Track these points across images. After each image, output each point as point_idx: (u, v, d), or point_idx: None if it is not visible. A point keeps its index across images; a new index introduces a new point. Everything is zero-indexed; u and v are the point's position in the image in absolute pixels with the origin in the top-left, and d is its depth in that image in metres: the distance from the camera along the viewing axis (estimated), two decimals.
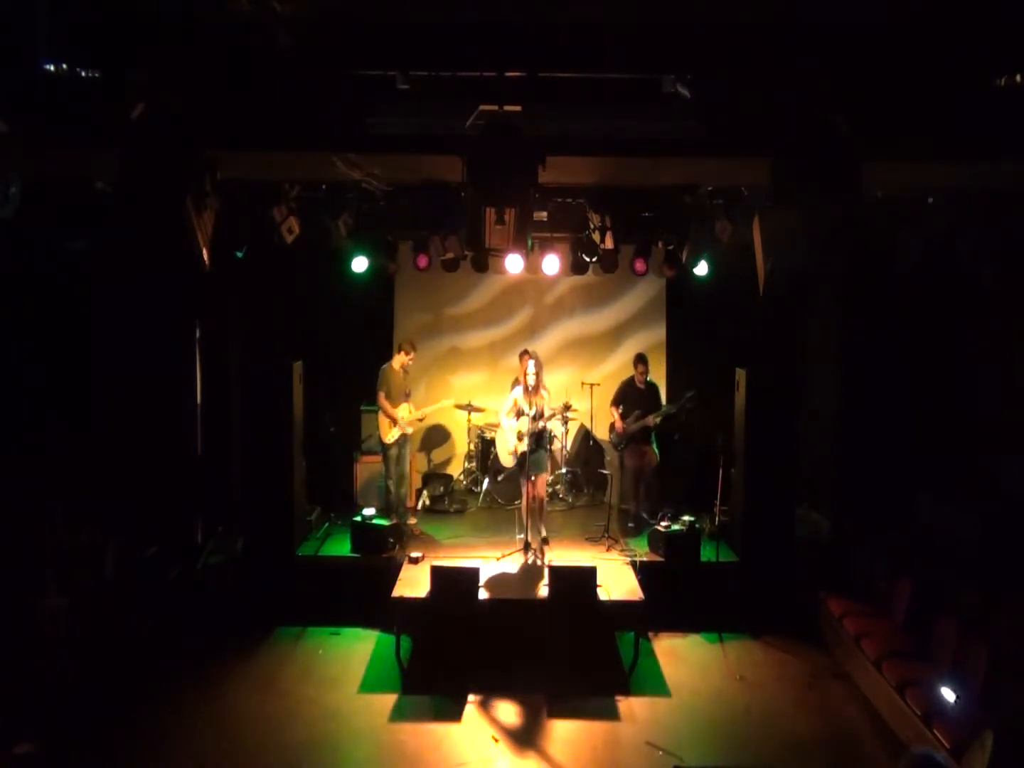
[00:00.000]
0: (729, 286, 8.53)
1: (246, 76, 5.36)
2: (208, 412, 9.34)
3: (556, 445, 10.11)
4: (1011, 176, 5.92)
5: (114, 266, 7.67)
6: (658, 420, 9.10)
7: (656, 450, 9.25)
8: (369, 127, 5.94)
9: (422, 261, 8.95)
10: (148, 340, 8.50)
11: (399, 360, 8.97)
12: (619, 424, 9.25)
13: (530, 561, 8.08)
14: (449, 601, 7.02)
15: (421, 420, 9.51)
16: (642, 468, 9.23)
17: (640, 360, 9.25)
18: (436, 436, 10.71)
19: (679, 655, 7.54)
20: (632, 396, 9.24)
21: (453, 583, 7.08)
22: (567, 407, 8.58)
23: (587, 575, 7.17)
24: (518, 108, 5.28)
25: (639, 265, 8.83)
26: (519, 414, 8.34)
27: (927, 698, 5.72)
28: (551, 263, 9.03)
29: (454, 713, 6.54)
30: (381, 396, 8.88)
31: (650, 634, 7.77)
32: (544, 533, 8.38)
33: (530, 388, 8.22)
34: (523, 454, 8.23)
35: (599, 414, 10.23)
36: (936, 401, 8.24)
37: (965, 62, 5.17)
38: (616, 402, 9.36)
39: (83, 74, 5.25)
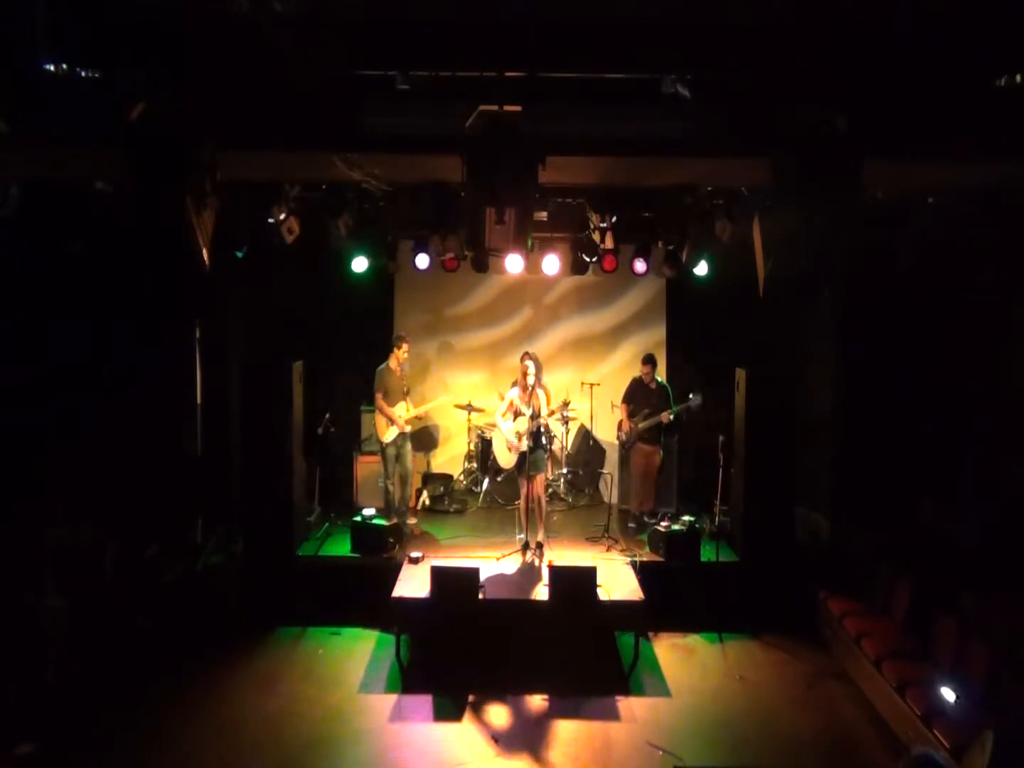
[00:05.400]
0: (729, 286, 8.53)
1: (246, 76, 5.36)
2: (208, 412, 9.34)
3: (556, 445, 10.13)
4: (1011, 176, 5.92)
5: (114, 266, 7.67)
6: (671, 417, 9.07)
7: (662, 451, 9.26)
8: (368, 127, 5.94)
9: (422, 262, 8.85)
10: (148, 340, 8.49)
11: (395, 358, 8.98)
12: (626, 423, 9.25)
13: (530, 561, 8.08)
14: (449, 601, 7.02)
15: (420, 418, 9.50)
16: (647, 468, 9.22)
17: (646, 360, 9.23)
18: (436, 436, 10.71)
19: (679, 655, 7.55)
20: (641, 395, 9.23)
21: (453, 583, 7.08)
22: (566, 404, 8.58)
23: (587, 575, 7.17)
24: (518, 108, 5.27)
25: (639, 265, 8.82)
26: (516, 414, 8.35)
27: (927, 698, 5.73)
28: (551, 263, 9.03)
29: (454, 713, 6.54)
30: (378, 397, 8.89)
31: (650, 634, 7.78)
32: (541, 536, 8.37)
33: (528, 388, 8.24)
34: (522, 454, 8.25)
35: (599, 414, 10.23)
36: (936, 401, 8.23)
37: (965, 62, 5.17)
38: (626, 400, 9.36)
39: (83, 74, 5.25)
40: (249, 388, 8.61)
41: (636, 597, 7.33)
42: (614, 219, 7.58)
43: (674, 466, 9.77)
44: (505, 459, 8.62)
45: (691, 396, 9.09)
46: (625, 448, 9.45)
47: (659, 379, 9.31)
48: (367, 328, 10.24)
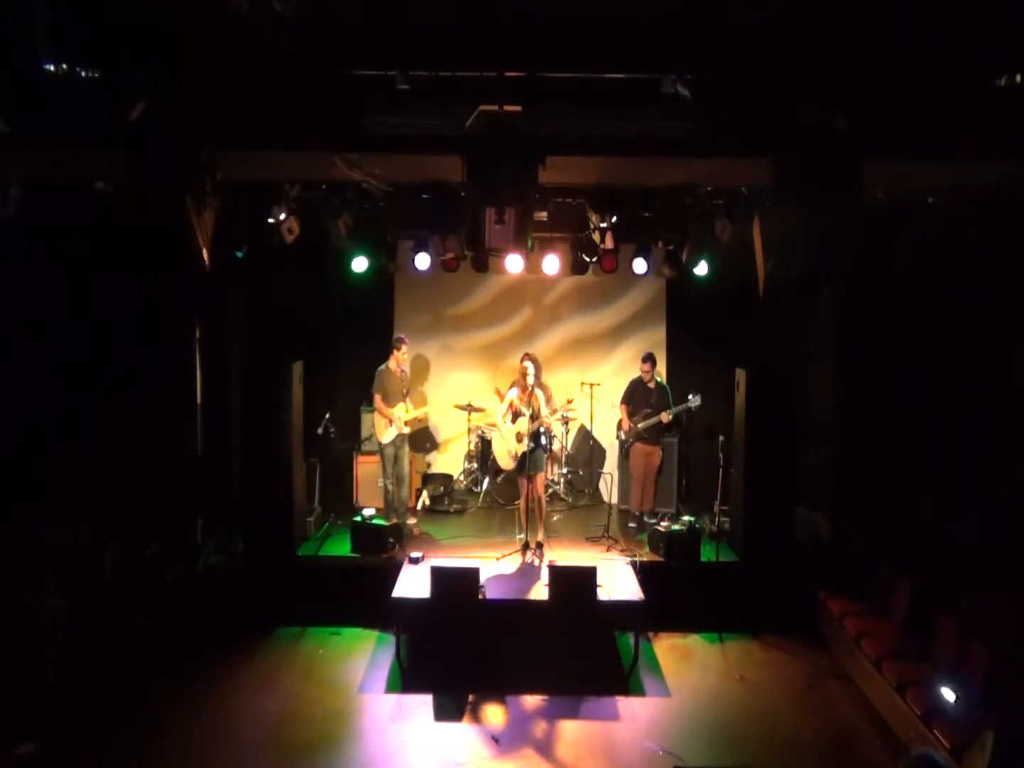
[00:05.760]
0: (729, 286, 8.54)
1: (246, 76, 5.36)
2: (208, 412, 9.34)
3: (556, 445, 10.14)
4: (1011, 176, 5.92)
5: (114, 266, 7.67)
6: (670, 418, 9.07)
7: (661, 451, 9.25)
8: (369, 127, 5.94)
9: (422, 262, 8.84)
10: (148, 340, 8.50)
11: (394, 360, 8.98)
12: (626, 423, 9.25)
13: (530, 561, 8.08)
14: (449, 601, 7.02)
15: (420, 419, 9.51)
16: (647, 468, 9.21)
17: (645, 359, 9.23)
18: (436, 436, 10.71)
19: (679, 655, 7.55)
20: (640, 395, 9.22)
21: (453, 583, 7.08)
22: (569, 402, 8.59)
23: (587, 575, 7.18)
24: (518, 108, 5.27)
25: (639, 265, 8.80)
26: (516, 415, 8.35)
27: (927, 698, 5.73)
28: (551, 263, 9.03)
29: (454, 713, 6.55)
30: (377, 398, 8.89)
31: (650, 634, 7.78)
32: (541, 536, 8.37)
33: (527, 388, 8.25)
34: (523, 454, 8.25)
35: (599, 414, 10.23)
36: (936, 401, 8.23)
37: (965, 62, 5.17)
38: (625, 400, 9.35)
39: (83, 74, 5.25)
40: (249, 388, 8.61)
41: (636, 597, 7.33)
42: (614, 219, 7.58)
43: (674, 466, 9.77)
44: (505, 459, 8.62)
45: (690, 397, 9.09)
46: (624, 448, 9.44)
47: (658, 379, 9.30)
48: (367, 328, 10.24)
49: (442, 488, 10.08)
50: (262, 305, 8.55)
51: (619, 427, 9.44)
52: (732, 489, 8.81)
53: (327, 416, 9.35)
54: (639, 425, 9.12)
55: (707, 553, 8.32)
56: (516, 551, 8.25)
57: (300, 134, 5.86)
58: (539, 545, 8.30)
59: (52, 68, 5.10)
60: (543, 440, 8.48)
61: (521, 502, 8.50)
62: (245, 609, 7.95)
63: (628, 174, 6.46)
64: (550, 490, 9.88)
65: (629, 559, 8.18)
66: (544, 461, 8.60)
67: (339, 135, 5.91)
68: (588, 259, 8.70)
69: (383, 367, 9.00)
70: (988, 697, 5.52)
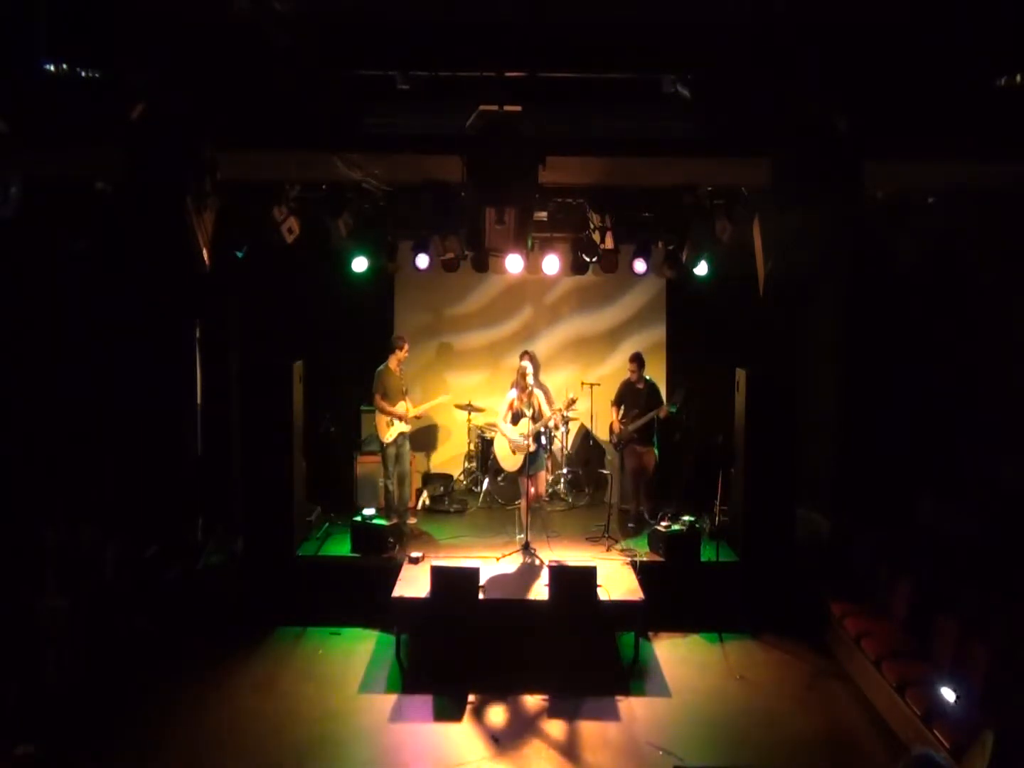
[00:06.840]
0: (729, 286, 8.54)
1: (246, 76, 5.37)
2: (208, 412, 9.34)
3: (556, 445, 10.13)
4: (1011, 176, 5.93)
5: (114, 266, 7.67)
6: (671, 410, 9.03)
7: (656, 451, 9.25)
8: (369, 127, 5.95)
9: (422, 262, 8.85)
10: (148, 340, 8.50)
11: (394, 359, 8.97)
12: (616, 425, 9.24)
13: (530, 561, 8.08)
14: (449, 601, 7.02)
15: (419, 417, 9.51)
16: (641, 469, 9.20)
17: (632, 359, 9.20)
18: (436, 436, 10.71)
19: (679, 655, 7.54)
20: (631, 396, 9.22)
21: (453, 583, 7.08)
22: (573, 401, 8.57)
23: (587, 575, 7.17)
24: (518, 108, 5.28)
25: (639, 265, 8.80)
26: (517, 417, 8.34)
27: (927, 698, 5.72)
28: (551, 263, 9.02)
29: (454, 713, 6.54)
30: (378, 398, 8.87)
31: (650, 634, 7.78)
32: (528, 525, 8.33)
33: (526, 388, 8.24)
34: (526, 454, 8.24)
35: (599, 414, 10.23)
36: (936, 401, 8.24)
37: (965, 62, 5.18)
38: (616, 402, 9.35)
39: (83, 74, 5.27)
40: (249, 388, 8.61)
41: (636, 597, 7.33)
42: (614, 219, 7.58)
43: (674, 466, 9.76)
44: (505, 459, 8.60)
45: (676, 391, 9.11)
46: (617, 450, 9.44)
47: (647, 378, 9.29)
48: (367, 328, 10.24)
49: (442, 488, 10.07)
50: (262, 305, 8.55)
51: (611, 430, 9.42)
52: (732, 489, 8.81)
53: (327, 416, 9.35)
54: (629, 427, 9.12)
55: (707, 553, 8.32)
56: (516, 551, 8.25)
57: (300, 134, 5.87)
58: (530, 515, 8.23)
59: (52, 68, 5.11)
60: (543, 439, 8.48)
61: (522, 502, 8.49)
62: (245, 609, 7.95)
63: (628, 174, 6.46)
64: (550, 490, 9.88)
65: (629, 559, 8.18)
66: (544, 460, 8.58)
67: (339, 135, 5.93)
68: (588, 259, 8.70)
69: (383, 367, 8.99)
70: (988, 697, 5.51)
